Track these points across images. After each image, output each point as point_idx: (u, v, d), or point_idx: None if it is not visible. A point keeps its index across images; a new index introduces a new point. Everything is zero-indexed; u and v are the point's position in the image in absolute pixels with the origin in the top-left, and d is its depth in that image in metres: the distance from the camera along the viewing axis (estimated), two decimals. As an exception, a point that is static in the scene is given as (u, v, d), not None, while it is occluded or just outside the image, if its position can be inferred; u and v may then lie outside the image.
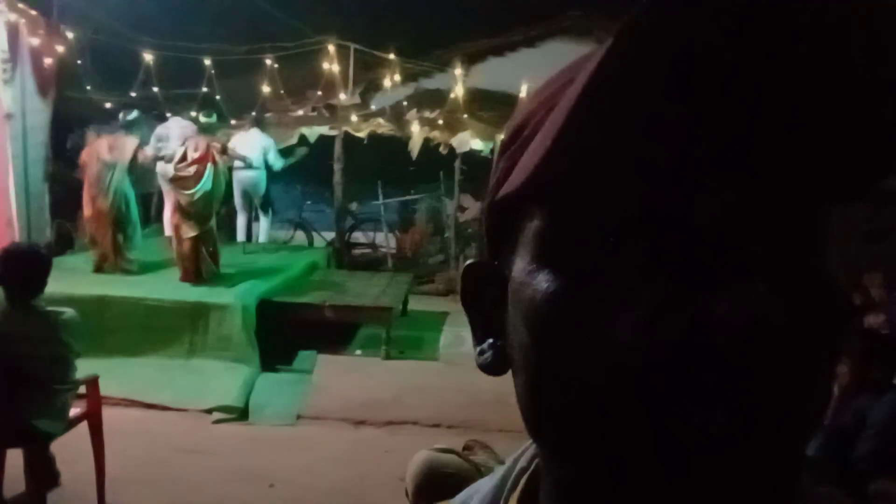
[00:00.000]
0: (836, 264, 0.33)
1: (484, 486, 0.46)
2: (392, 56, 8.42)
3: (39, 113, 6.69)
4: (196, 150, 5.75)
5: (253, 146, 7.76)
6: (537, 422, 0.35)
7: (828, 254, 0.32)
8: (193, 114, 6.91)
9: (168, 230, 7.56)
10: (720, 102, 0.29)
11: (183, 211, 5.74)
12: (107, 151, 5.83)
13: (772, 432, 0.30)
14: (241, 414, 4.63)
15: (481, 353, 0.40)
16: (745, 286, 0.29)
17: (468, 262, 0.42)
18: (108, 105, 8.34)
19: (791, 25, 0.27)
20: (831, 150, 0.29)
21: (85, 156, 5.94)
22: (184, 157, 5.75)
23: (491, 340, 0.40)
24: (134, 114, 6.11)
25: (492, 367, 0.40)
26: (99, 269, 5.84)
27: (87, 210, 5.93)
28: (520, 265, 0.35)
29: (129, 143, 5.93)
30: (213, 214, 5.93)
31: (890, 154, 0.30)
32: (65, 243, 7.57)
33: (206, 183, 5.70)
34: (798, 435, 0.32)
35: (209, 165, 5.73)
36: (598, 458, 0.33)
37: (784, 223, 0.31)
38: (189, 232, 5.73)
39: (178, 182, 5.77)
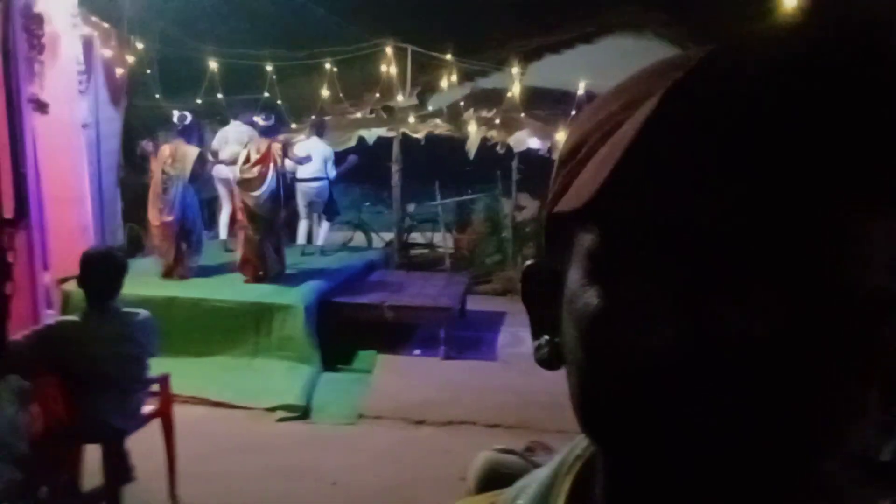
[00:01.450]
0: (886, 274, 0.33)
1: (541, 472, 0.48)
2: (448, 56, 8.44)
3: (112, 122, 6.99)
4: (258, 151, 5.92)
5: (315, 158, 7.83)
6: (582, 415, 0.38)
7: (873, 264, 0.32)
8: (254, 118, 7.08)
9: (223, 233, 7.83)
10: (763, 139, 0.31)
11: (249, 212, 5.89)
12: (170, 163, 5.96)
13: (787, 439, 0.31)
14: (303, 412, 4.73)
15: (538, 348, 0.43)
16: (758, 291, 0.31)
17: (528, 262, 0.45)
18: (175, 112, 8.63)
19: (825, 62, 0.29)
20: (861, 158, 0.30)
21: (153, 167, 6.12)
22: (247, 159, 5.92)
23: (547, 337, 0.42)
24: (188, 119, 6.20)
25: (547, 363, 0.42)
26: (167, 275, 6.02)
27: (153, 221, 6.08)
28: (573, 276, 0.38)
29: (190, 153, 6.04)
30: (279, 214, 6.09)
31: None
32: (136, 247, 7.87)
33: (270, 183, 5.87)
34: (815, 444, 0.32)
35: (271, 166, 5.89)
36: (629, 453, 0.36)
37: (817, 235, 0.31)
38: (256, 233, 5.90)
39: (243, 184, 5.94)
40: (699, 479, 0.33)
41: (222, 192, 7.93)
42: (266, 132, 6.24)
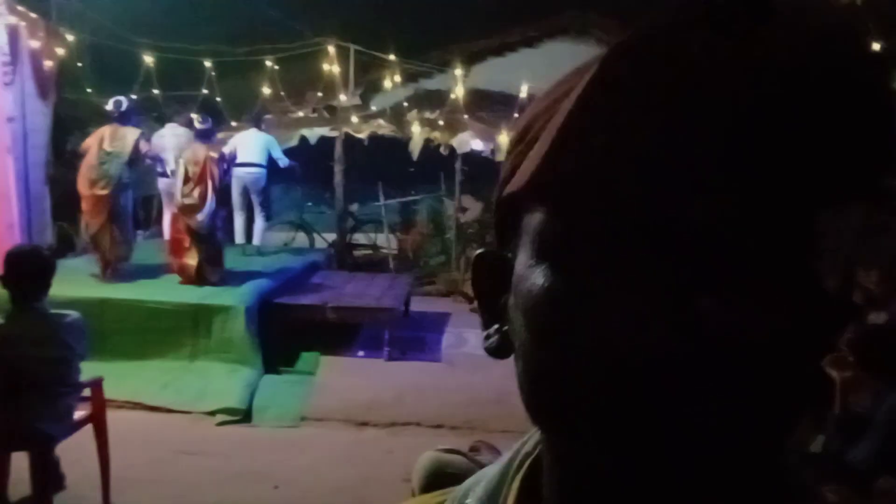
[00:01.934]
0: (833, 263, 0.34)
1: (490, 471, 0.48)
2: (392, 57, 8.42)
3: (39, 116, 6.70)
4: (196, 163, 5.72)
5: (253, 145, 7.74)
6: (532, 406, 0.38)
7: (823, 254, 0.33)
8: (193, 115, 6.89)
9: (167, 233, 7.56)
10: (714, 107, 0.30)
11: (192, 234, 5.73)
12: (109, 142, 5.73)
13: (754, 430, 0.32)
14: (244, 416, 4.64)
15: (487, 337, 0.43)
16: (738, 288, 0.30)
17: (479, 250, 0.44)
18: (107, 107, 8.35)
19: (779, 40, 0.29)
20: (825, 152, 0.30)
21: (87, 143, 5.84)
22: (186, 179, 5.72)
23: (497, 326, 0.42)
24: (124, 104, 5.92)
25: (496, 351, 0.42)
26: (105, 272, 5.77)
27: (83, 191, 5.71)
28: (522, 259, 0.37)
29: (130, 134, 5.83)
30: (219, 228, 5.94)
31: (883, 156, 0.31)
32: (66, 246, 7.57)
33: (211, 203, 5.73)
34: (780, 432, 0.33)
35: (210, 184, 5.71)
36: (573, 437, 0.35)
37: (779, 225, 0.31)
38: (197, 253, 5.74)
39: (185, 210, 5.75)
40: (644, 464, 0.33)
41: (165, 199, 7.62)
42: (203, 135, 6.00)
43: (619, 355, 0.32)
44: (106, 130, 5.80)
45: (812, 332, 0.32)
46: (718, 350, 0.30)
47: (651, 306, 0.31)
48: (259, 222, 8.21)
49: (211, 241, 5.86)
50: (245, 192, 7.92)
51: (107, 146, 5.71)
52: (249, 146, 7.62)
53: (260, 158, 7.79)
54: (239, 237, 8.11)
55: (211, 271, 5.82)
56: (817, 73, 0.29)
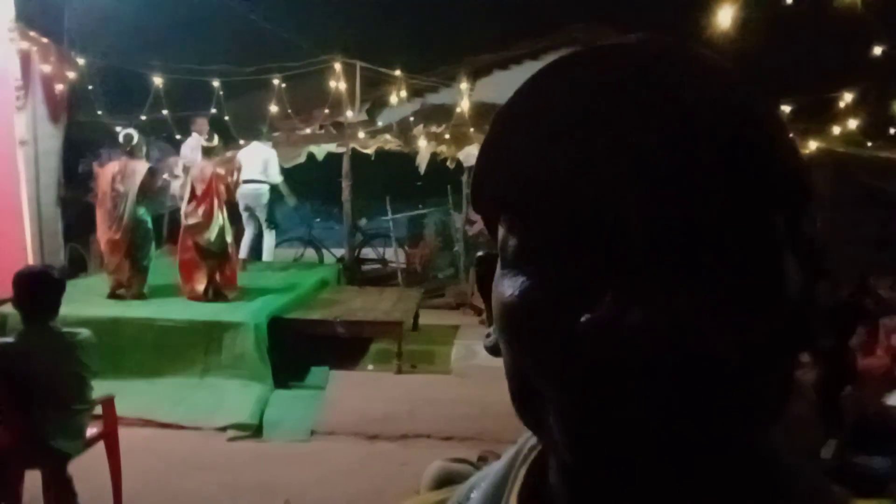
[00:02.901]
0: (832, 269, 0.37)
1: (496, 466, 0.49)
2: (398, 72, 8.49)
3: (51, 139, 6.80)
4: (202, 181, 5.83)
5: (254, 161, 7.71)
6: (512, 401, 0.40)
7: (778, 260, 0.34)
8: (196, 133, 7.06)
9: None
10: (629, 118, 0.34)
11: (201, 250, 5.84)
12: (119, 180, 5.80)
13: (693, 429, 0.33)
14: (255, 431, 4.65)
15: (487, 335, 0.45)
16: (670, 292, 0.32)
17: (480, 253, 0.47)
18: (118, 129, 8.45)
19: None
20: (726, 165, 0.33)
21: (100, 185, 5.91)
22: (192, 196, 5.82)
23: (495, 325, 0.44)
24: (135, 139, 5.98)
25: (493, 349, 0.44)
26: (114, 294, 5.86)
27: (101, 238, 5.91)
28: (497, 267, 0.40)
29: (139, 168, 5.88)
30: (228, 243, 6.02)
31: (775, 170, 0.34)
32: (77, 266, 7.65)
33: (218, 220, 5.83)
34: (723, 433, 0.34)
35: (215, 201, 5.81)
36: (551, 441, 0.37)
37: (713, 232, 0.33)
38: (208, 271, 5.86)
39: (191, 229, 5.85)
40: (616, 468, 0.34)
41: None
42: (208, 153, 6.15)
43: (562, 360, 0.34)
44: (115, 167, 5.88)
45: (752, 336, 0.33)
46: (650, 356, 0.32)
47: (579, 310, 0.33)
48: (268, 239, 8.25)
49: (220, 257, 5.94)
50: (248, 209, 7.92)
51: (118, 185, 5.79)
52: (250, 162, 7.60)
53: (260, 174, 7.78)
54: (244, 253, 8.11)
55: (224, 287, 5.91)
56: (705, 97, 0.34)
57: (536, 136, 0.35)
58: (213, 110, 8.30)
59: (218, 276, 5.92)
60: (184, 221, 5.92)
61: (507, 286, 0.37)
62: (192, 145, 7.04)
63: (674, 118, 0.33)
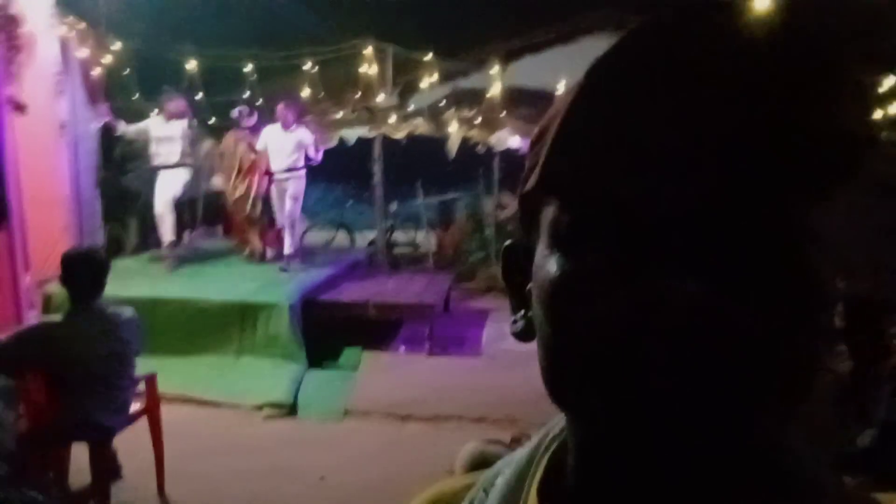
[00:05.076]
0: (841, 258, 0.36)
1: (519, 453, 0.50)
2: (429, 56, 8.46)
3: (89, 122, 6.92)
4: (247, 157, 6.83)
5: (284, 144, 7.25)
6: (548, 385, 0.41)
7: (820, 247, 0.35)
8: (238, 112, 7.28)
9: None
10: (694, 106, 0.34)
11: (249, 219, 6.84)
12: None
13: (728, 409, 0.34)
14: (289, 410, 4.74)
15: (514, 322, 0.46)
16: (710, 275, 0.33)
17: (507, 242, 0.49)
18: (153, 112, 8.57)
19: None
20: (796, 150, 0.33)
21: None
22: (239, 171, 6.70)
23: (523, 311, 0.46)
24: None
25: (521, 335, 0.46)
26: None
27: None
28: (539, 249, 0.41)
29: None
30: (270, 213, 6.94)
31: (851, 155, 0.34)
32: (116, 247, 7.81)
33: (258, 193, 6.88)
34: (757, 415, 0.35)
35: (256, 179, 6.76)
36: (587, 416, 0.39)
37: (763, 216, 0.34)
38: (255, 234, 6.88)
39: (237, 203, 6.90)
40: (656, 444, 0.35)
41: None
42: (251, 131, 6.85)
43: (612, 338, 0.35)
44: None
45: (790, 321, 0.34)
46: (685, 324, 0.33)
47: (629, 289, 0.35)
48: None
49: (261, 222, 6.95)
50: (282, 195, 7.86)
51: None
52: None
53: (292, 162, 7.53)
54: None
55: (267, 250, 6.78)
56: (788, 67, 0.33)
57: (608, 115, 0.35)
58: (247, 94, 8.36)
59: (261, 238, 6.87)
60: (234, 194, 6.91)
61: (554, 266, 0.38)
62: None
63: (748, 97, 0.33)
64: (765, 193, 0.33)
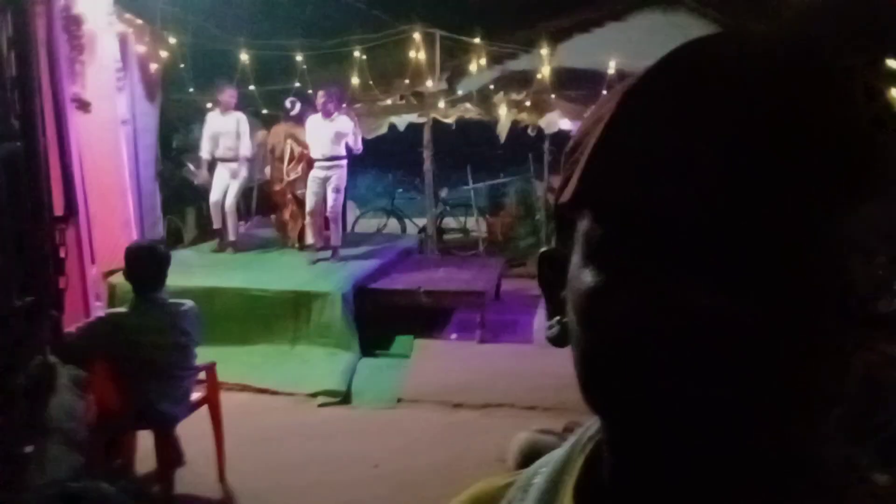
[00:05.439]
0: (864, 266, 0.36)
1: (558, 452, 0.52)
2: (477, 40, 8.41)
3: (148, 117, 7.12)
4: (298, 143, 7.03)
5: (323, 133, 6.95)
6: (581, 384, 0.42)
7: (843, 256, 0.35)
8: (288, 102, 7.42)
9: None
10: (727, 123, 0.35)
11: (298, 203, 7.06)
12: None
13: (754, 415, 0.35)
14: (343, 397, 4.83)
15: (550, 327, 0.48)
16: (742, 291, 0.34)
17: (542, 249, 0.50)
18: (208, 105, 8.77)
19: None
20: (823, 163, 0.34)
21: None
22: (291, 157, 6.89)
23: (558, 317, 0.47)
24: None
25: (556, 340, 0.47)
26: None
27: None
28: (575, 259, 0.42)
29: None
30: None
31: (877, 168, 0.35)
32: (175, 238, 8.05)
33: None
34: (783, 421, 0.36)
35: (304, 161, 6.95)
36: (621, 421, 0.41)
37: (785, 234, 0.35)
38: (306, 215, 6.99)
39: (291, 184, 7.11)
40: (685, 449, 0.37)
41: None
42: (299, 119, 7.03)
43: (647, 348, 0.36)
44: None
45: (814, 329, 0.35)
46: (716, 340, 0.35)
47: (663, 303, 0.36)
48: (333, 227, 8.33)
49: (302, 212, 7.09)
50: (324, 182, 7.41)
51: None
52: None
53: (332, 150, 7.14)
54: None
55: (316, 237, 6.93)
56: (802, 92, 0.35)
57: (638, 132, 0.37)
58: (297, 84, 8.47)
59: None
60: (286, 178, 7.14)
61: (589, 277, 0.39)
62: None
63: (786, 122, 0.34)
64: (797, 205, 0.34)
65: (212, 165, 7.36)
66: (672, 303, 0.35)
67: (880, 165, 0.35)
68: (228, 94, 7.30)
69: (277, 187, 7.37)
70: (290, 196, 7.23)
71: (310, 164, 6.89)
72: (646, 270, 0.36)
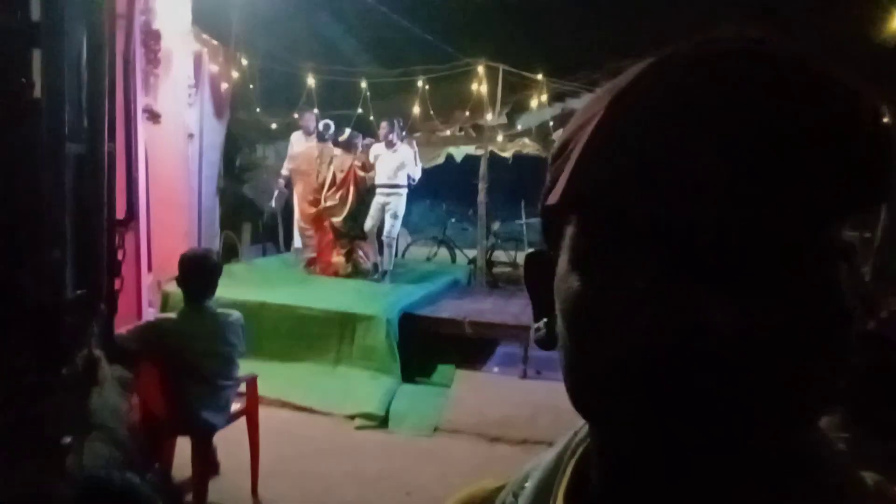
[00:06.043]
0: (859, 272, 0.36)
1: (547, 456, 0.51)
2: (540, 76, 8.45)
3: (215, 133, 7.36)
4: (342, 170, 6.88)
5: (386, 161, 7.15)
6: (570, 393, 0.41)
7: (840, 262, 0.35)
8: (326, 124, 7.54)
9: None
10: (723, 126, 0.34)
11: (335, 230, 6.94)
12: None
13: (754, 421, 0.34)
14: (381, 422, 4.80)
15: (537, 329, 0.47)
16: (745, 291, 0.33)
17: (530, 251, 0.49)
18: (272, 125, 9.01)
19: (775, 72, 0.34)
20: (825, 170, 0.33)
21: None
22: (332, 183, 6.80)
23: (545, 320, 0.46)
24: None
25: (543, 343, 0.46)
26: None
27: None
28: (561, 263, 0.41)
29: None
30: (361, 227, 6.98)
31: (880, 174, 0.34)
32: (230, 253, 8.23)
33: (351, 205, 6.95)
34: (784, 426, 0.35)
35: (352, 189, 6.87)
36: (607, 425, 0.40)
37: (786, 233, 0.34)
38: (341, 249, 6.93)
39: (327, 210, 6.97)
40: (685, 450, 0.35)
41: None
42: (347, 146, 7.07)
43: (633, 353, 0.35)
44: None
45: (804, 341, 0.34)
46: (718, 347, 0.33)
47: (662, 309, 0.34)
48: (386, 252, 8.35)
49: (351, 236, 7.06)
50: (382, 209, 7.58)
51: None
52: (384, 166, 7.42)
53: (393, 179, 7.32)
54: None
55: (358, 262, 6.93)
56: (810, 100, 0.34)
57: (630, 135, 0.36)
58: (360, 110, 8.64)
59: (354, 255, 6.93)
60: (323, 203, 7.05)
61: (576, 282, 0.39)
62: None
63: (775, 128, 0.33)
64: (798, 206, 0.33)
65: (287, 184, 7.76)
66: (669, 306, 0.34)
67: (881, 166, 0.34)
68: (307, 119, 7.59)
69: (311, 211, 7.27)
70: (326, 223, 7.19)
71: (363, 189, 7.07)
72: (638, 274, 0.36)
